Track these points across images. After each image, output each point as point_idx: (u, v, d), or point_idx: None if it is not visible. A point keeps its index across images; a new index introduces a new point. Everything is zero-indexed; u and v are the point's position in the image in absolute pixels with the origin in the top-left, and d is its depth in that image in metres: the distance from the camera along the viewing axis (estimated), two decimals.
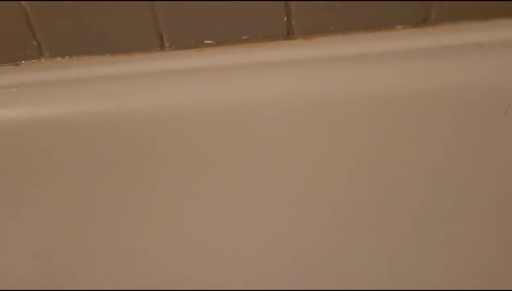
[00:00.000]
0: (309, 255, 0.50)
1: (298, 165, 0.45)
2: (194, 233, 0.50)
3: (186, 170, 0.46)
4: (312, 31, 0.43)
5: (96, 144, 0.46)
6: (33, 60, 0.47)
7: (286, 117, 0.43)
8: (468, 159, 0.43)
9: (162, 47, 0.45)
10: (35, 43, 0.46)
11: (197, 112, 0.44)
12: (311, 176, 0.46)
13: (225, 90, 0.44)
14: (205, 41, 0.45)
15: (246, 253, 0.51)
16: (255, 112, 0.43)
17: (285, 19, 0.43)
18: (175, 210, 0.49)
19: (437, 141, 0.43)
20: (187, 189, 0.47)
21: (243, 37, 0.44)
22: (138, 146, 0.46)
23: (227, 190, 0.47)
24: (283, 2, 0.42)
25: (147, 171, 0.47)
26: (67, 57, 0.47)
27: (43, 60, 0.47)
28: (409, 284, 0.50)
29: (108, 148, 0.46)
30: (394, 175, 0.45)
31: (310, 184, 0.46)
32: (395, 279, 0.50)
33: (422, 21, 0.42)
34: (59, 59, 0.47)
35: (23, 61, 0.47)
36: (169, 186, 0.47)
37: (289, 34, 0.44)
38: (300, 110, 0.43)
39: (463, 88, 0.40)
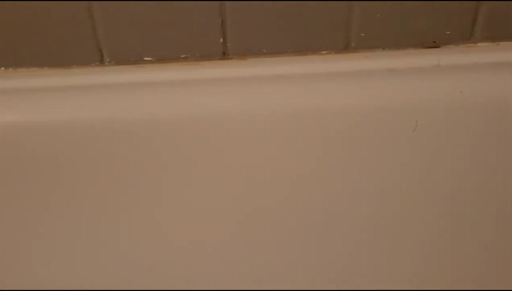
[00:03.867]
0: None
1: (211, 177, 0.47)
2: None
3: (126, 180, 0.48)
4: (246, 52, 0.47)
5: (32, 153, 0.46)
6: None
7: (217, 131, 0.46)
8: (379, 175, 0.47)
9: (101, 62, 0.47)
10: None
11: (134, 124, 0.45)
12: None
13: (163, 105, 0.46)
14: (145, 58, 0.47)
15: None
16: (189, 125, 0.46)
17: (221, 40, 0.46)
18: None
19: (349, 158, 0.47)
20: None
21: (181, 56, 0.47)
22: (73, 155, 0.46)
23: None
24: (219, 24, 0.45)
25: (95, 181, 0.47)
26: (2, 68, 0.47)
27: None
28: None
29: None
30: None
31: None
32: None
33: (344, 48, 0.47)
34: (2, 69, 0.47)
35: None
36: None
37: (224, 55, 0.47)
38: (230, 125, 0.46)
39: (376, 108, 0.45)
